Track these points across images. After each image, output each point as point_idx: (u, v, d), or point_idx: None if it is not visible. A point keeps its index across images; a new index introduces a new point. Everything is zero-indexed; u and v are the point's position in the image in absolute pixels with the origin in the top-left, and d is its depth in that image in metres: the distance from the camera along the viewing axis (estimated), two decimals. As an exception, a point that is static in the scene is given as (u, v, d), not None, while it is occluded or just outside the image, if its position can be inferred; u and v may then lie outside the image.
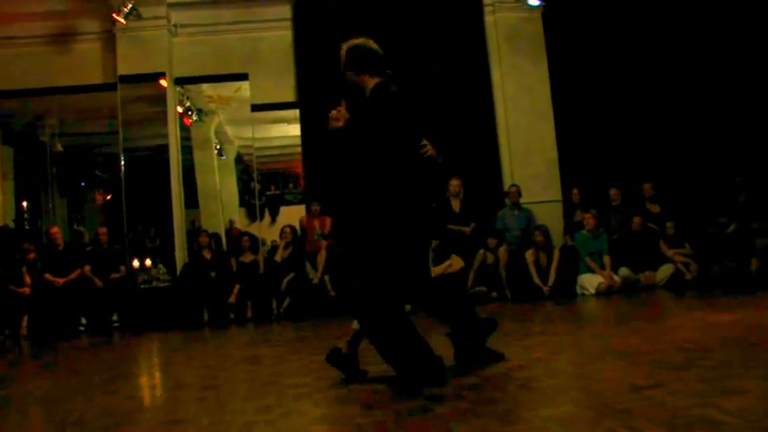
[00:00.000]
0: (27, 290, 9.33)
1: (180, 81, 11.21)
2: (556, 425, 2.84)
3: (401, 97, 4.13)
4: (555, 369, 4.32)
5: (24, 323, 9.19)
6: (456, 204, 10.09)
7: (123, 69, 10.72)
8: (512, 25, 11.14)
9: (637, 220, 9.84)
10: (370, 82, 4.14)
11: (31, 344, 8.67)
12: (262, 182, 13.42)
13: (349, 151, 4.04)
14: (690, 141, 10.74)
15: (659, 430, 2.63)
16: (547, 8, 10.95)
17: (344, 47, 4.20)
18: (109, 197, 13.79)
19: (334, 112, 4.03)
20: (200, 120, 12.74)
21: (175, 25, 11.02)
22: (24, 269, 9.48)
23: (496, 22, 11.14)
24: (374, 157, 3.96)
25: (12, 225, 11.02)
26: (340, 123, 4.00)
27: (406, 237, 3.96)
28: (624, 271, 9.54)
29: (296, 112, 10.82)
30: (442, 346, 4.19)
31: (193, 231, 11.31)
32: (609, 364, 4.13)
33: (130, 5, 10.05)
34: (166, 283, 9.84)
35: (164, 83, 10.81)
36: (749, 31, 10.53)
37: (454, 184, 10.04)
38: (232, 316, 9.50)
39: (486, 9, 11.16)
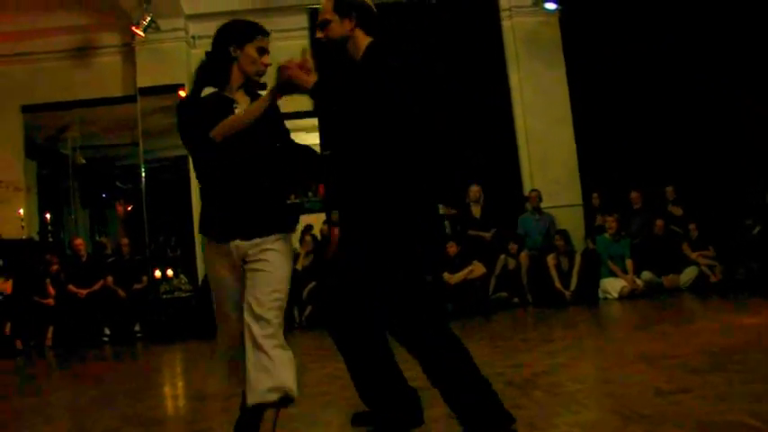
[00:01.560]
0: (51, 301, 9.44)
1: (199, 92, 11.27)
2: (583, 430, 2.82)
3: (404, 66, 3.09)
4: (579, 374, 4.30)
5: (50, 334, 9.29)
6: (476, 210, 10.06)
7: (143, 81, 10.80)
8: (529, 30, 11.11)
9: (659, 222, 9.75)
10: (364, 40, 3.14)
11: (57, 354, 8.74)
12: (281, 190, 13.45)
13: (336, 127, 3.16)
14: (712, 143, 10.65)
15: (687, 435, 2.60)
16: (564, 12, 10.90)
17: None
18: (130, 208, 13.89)
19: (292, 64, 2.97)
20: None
21: (193, 37, 11.08)
22: (48, 281, 9.59)
23: (513, 26, 11.11)
24: (367, 133, 3.01)
25: (36, 238, 11.13)
26: (309, 78, 2.95)
27: (404, 237, 3.04)
28: (647, 274, 9.46)
29: (314, 121, 10.82)
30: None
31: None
32: (634, 369, 4.10)
33: (149, 18, 10.13)
34: (188, 293, 9.87)
35: (183, 94, 10.88)
36: (762, 32, 10.42)
37: (474, 190, 10.03)
38: (254, 325, 9.48)
39: (503, 14, 11.13)
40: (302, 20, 11.03)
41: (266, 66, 3.10)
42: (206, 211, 3.08)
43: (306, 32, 10.94)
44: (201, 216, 3.10)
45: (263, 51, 3.08)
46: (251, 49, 3.04)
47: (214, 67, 3.07)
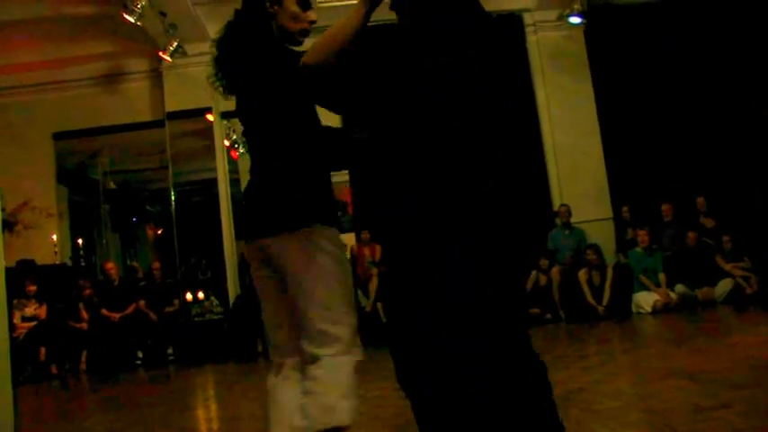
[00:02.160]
0: (85, 325, 9.54)
1: (226, 115, 11.35)
2: (621, 449, 2.77)
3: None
4: (616, 391, 4.23)
5: (84, 358, 9.37)
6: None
7: (171, 106, 10.92)
8: (554, 44, 11.06)
9: (691, 235, 9.62)
10: None
11: (91, 378, 8.81)
12: (310, 211, 13.49)
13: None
14: (742, 153, 10.51)
15: (730, 453, 2.54)
16: (588, 26, 10.87)
17: None
18: (160, 231, 14.01)
19: None
20: (246, 152, 12.89)
21: (220, 60, 11.19)
22: (81, 305, 9.70)
23: (539, 41, 11.08)
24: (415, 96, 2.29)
25: (69, 263, 11.27)
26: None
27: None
28: (680, 288, 9.33)
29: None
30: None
31: (244, 263, 11.39)
32: (671, 385, 4.03)
33: (176, 43, 10.25)
34: (220, 315, 9.91)
35: (210, 117, 10.99)
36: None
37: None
38: (285, 346, 9.49)
39: (528, 29, 11.11)
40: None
41: (311, 22, 2.56)
42: (317, 196, 2.52)
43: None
44: (311, 202, 2.48)
45: (306, 6, 2.54)
46: (290, 3, 2.51)
47: (251, 26, 2.55)
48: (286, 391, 2.49)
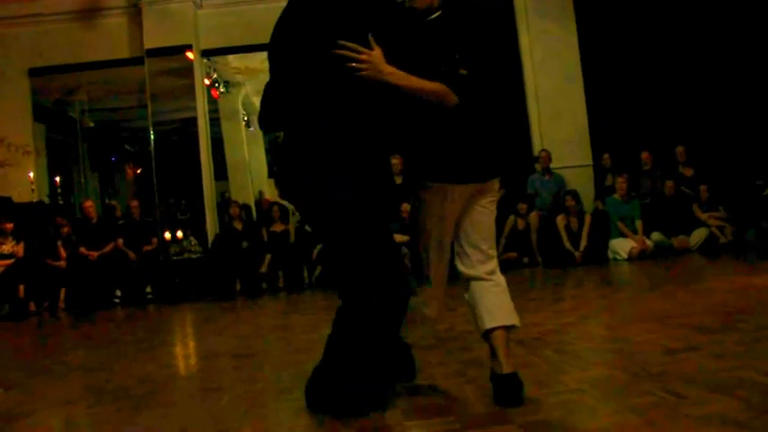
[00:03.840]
0: (63, 263, 9.51)
1: (206, 53, 11.21)
2: (592, 388, 2.83)
3: None
4: (588, 333, 4.31)
5: (62, 296, 9.37)
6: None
7: (150, 43, 10.74)
8: (540, -12, 10.95)
9: (669, 183, 9.72)
10: None
11: (69, 315, 8.82)
12: (290, 152, 13.43)
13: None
14: (723, 103, 10.53)
15: (697, 392, 2.61)
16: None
17: None
18: (139, 171, 13.92)
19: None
20: (227, 92, 12.77)
21: (200, -3, 11.00)
22: (60, 243, 9.65)
23: (524, -15, 10.96)
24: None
25: (47, 200, 11.18)
26: None
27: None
28: (657, 235, 9.45)
29: (323, 81, 10.74)
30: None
31: (223, 203, 11.39)
32: (643, 328, 4.10)
33: (155, -22, 10.05)
34: (198, 255, 9.92)
35: (190, 55, 10.82)
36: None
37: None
38: (264, 286, 9.57)
39: (514, -28, 10.98)
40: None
41: None
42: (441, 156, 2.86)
43: None
44: (431, 161, 2.87)
45: None
46: None
47: None
48: None
